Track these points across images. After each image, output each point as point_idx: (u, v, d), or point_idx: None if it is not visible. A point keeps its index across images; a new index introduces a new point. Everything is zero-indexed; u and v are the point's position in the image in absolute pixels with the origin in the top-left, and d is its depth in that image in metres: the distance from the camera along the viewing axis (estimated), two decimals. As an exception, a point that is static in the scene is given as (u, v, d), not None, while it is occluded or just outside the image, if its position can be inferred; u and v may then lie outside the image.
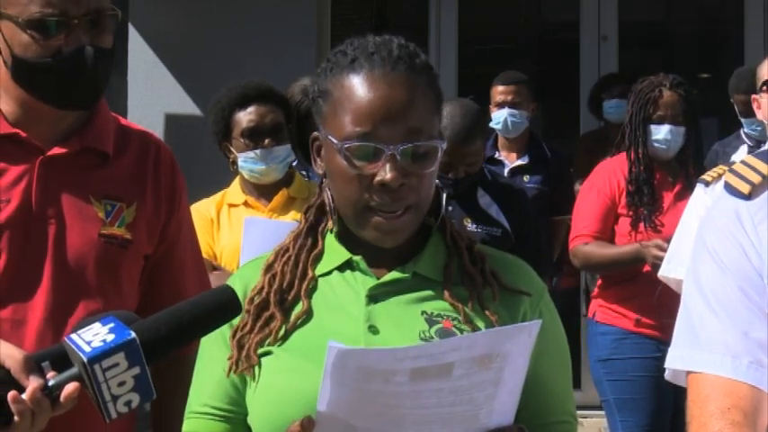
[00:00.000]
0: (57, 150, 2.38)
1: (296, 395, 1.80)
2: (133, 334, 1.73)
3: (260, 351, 1.88)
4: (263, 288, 1.93)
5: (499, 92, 6.28)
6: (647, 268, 4.69)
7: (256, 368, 1.87)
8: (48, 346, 2.25)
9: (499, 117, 6.20)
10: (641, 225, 4.83)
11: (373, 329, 1.87)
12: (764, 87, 4.08)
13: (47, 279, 2.33)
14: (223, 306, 1.84)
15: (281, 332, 1.89)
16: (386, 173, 1.83)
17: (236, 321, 1.92)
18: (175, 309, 1.83)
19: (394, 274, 1.92)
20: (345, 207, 1.90)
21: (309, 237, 1.98)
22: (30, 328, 2.29)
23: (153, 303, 2.47)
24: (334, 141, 1.86)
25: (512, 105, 6.20)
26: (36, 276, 2.32)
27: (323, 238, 1.97)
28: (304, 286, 1.92)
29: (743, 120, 5.81)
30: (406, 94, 1.86)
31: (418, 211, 1.90)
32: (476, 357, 1.59)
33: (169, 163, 2.53)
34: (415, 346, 1.66)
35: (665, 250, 4.56)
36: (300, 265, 1.94)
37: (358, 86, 1.86)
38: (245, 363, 1.87)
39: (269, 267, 1.95)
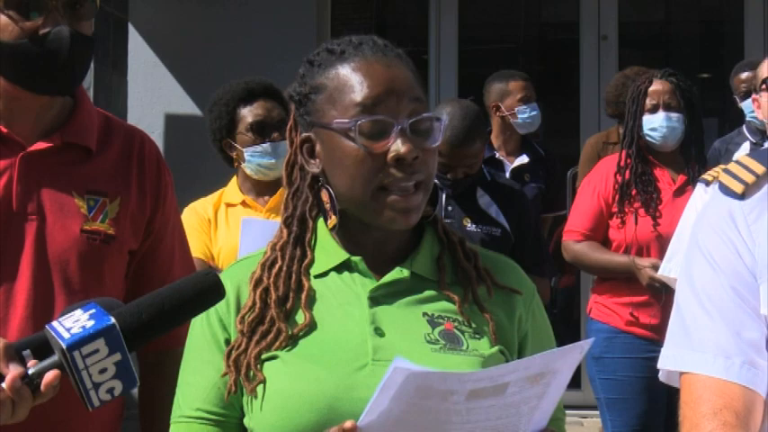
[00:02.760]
0: (38, 146, 2.35)
1: (306, 401, 1.78)
2: (113, 320, 1.70)
3: (264, 356, 1.85)
4: (254, 304, 1.89)
5: (523, 87, 6.24)
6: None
7: (262, 385, 1.84)
8: None
9: (533, 110, 6.19)
10: (631, 221, 4.80)
11: (379, 332, 1.85)
12: (764, 86, 4.07)
13: (28, 276, 2.30)
14: (205, 291, 1.80)
15: (284, 340, 1.85)
16: (400, 147, 1.83)
17: (232, 326, 1.89)
18: (157, 294, 1.79)
19: (393, 275, 1.91)
20: (357, 191, 1.87)
21: (297, 247, 1.95)
22: (11, 326, 2.27)
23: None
24: (345, 121, 1.85)
25: (535, 100, 6.22)
26: (17, 274, 2.30)
27: (311, 249, 1.95)
28: (303, 297, 1.89)
29: (743, 104, 5.74)
30: (404, 72, 1.89)
31: (427, 189, 1.89)
32: (530, 376, 1.61)
33: (154, 157, 2.50)
34: (480, 371, 1.65)
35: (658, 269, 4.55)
36: (294, 277, 1.92)
37: (356, 70, 1.87)
38: (248, 384, 1.83)
39: (257, 282, 1.92)
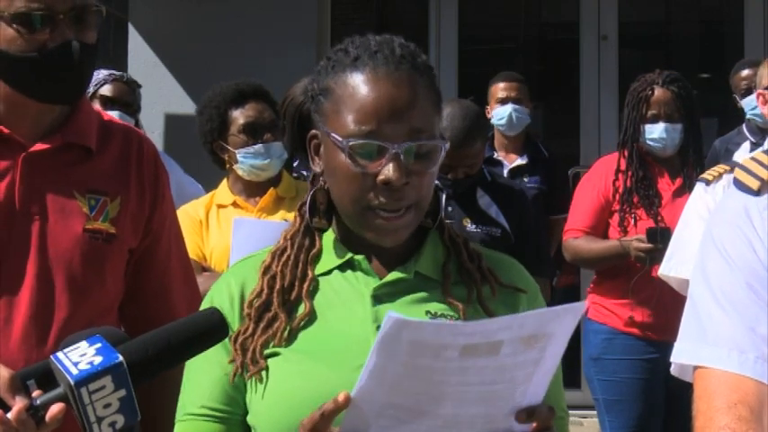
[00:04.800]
0: (39, 146, 2.37)
1: (307, 398, 1.78)
2: (120, 357, 1.72)
3: (266, 352, 1.86)
4: (262, 291, 1.91)
5: (501, 88, 6.27)
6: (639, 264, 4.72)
7: (263, 371, 1.86)
8: (32, 343, 2.28)
9: (503, 113, 6.18)
10: (631, 223, 4.83)
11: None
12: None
13: (31, 276, 2.32)
14: (211, 329, 1.82)
15: (285, 333, 1.87)
16: (390, 171, 1.81)
17: (235, 323, 1.90)
18: (163, 330, 1.81)
19: (397, 274, 1.91)
20: (347, 206, 1.88)
21: (307, 236, 1.96)
22: (15, 326, 2.29)
23: (138, 296, 2.49)
24: (338, 139, 1.84)
25: (515, 101, 6.21)
26: (21, 274, 2.32)
27: (320, 237, 1.96)
28: (305, 287, 1.91)
29: (743, 102, 5.74)
30: (410, 93, 1.84)
31: (419, 210, 1.88)
32: (524, 337, 1.59)
33: (152, 156, 2.53)
34: (471, 323, 1.63)
35: (644, 242, 4.60)
36: (300, 266, 1.93)
37: (361, 84, 1.84)
38: (252, 367, 1.85)
39: (267, 269, 1.93)
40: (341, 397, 1.62)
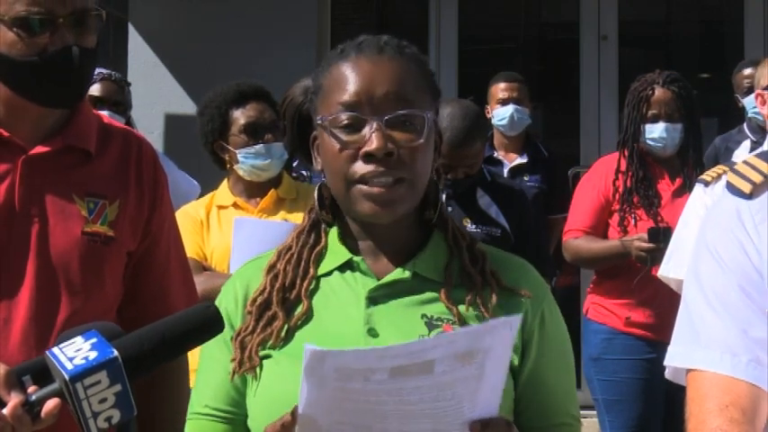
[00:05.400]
0: (39, 149, 2.38)
1: (295, 401, 1.79)
2: (115, 352, 1.72)
3: (261, 354, 1.87)
4: (264, 288, 1.92)
5: (502, 89, 6.28)
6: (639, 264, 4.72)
7: (257, 370, 1.87)
8: (32, 344, 2.29)
9: (504, 113, 6.19)
10: (631, 223, 4.83)
11: (372, 332, 1.85)
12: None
13: (31, 278, 2.33)
14: (206, 324, 1.83)
15: (283, 333, 1.88)
16: (372, 142, 1.82)
17: (238, 324, 1.92)
18: (159, 325, 1.82)
19: (394, 275, 1.90)
20: (337, 185, 1.89)
21: (312, 233, 1.97)
22: (15, 327, 2.30)
23: (137, 298, 2.50)
24: (320, 117, 1.88)
25: (516, 102, 6.22)
26: (20, 275, 2.33)
27: (326, 235, 1.96)
28: (305, 285, 1.91)
29: (745, 101, 5.74)
30: (391, 70, 1.87)
31: (413, 186, 1.87)
32: (457, 354, 1.58)
33: (151, 159, 2.54)
34: (394, 346, 1.61)
35: (645, 242, 4.60)
36: (302, 264, 1.93)
37: (345, 69, 1.88)
38: (247, 363, 1.87)
39: (271, 267, 1.95)
40: (287, 417, 1.66)
